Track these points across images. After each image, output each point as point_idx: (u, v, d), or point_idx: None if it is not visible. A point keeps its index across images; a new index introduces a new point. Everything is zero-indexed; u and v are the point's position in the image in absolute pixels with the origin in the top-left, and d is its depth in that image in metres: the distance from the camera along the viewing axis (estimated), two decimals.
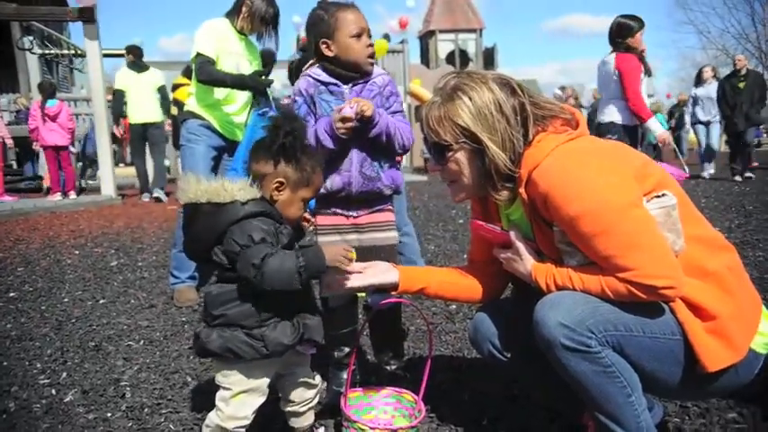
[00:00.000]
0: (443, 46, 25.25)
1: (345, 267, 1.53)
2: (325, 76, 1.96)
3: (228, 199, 1.44)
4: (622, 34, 4.38)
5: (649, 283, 1.28)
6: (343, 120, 1.82)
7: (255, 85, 3.20)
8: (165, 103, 8.78)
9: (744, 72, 8.94)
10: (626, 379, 1.32)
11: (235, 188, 1.45)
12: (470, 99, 1.43)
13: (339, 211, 1.99)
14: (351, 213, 1.99)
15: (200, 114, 3.36)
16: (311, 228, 1.80)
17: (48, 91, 8.90)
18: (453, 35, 25.20)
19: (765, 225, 4.78)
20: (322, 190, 1.93)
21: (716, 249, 1.42)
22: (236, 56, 3.33)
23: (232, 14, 3.34)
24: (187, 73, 7.14)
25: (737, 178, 8.82)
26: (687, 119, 11.82)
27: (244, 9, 3.28)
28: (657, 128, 4.48)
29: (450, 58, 24.91)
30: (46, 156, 9.32)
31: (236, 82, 3.20)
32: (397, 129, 1.93)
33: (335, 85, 1.96)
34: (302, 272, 1.39)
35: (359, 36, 1.91)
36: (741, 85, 8.83)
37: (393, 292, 1.65)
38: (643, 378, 1.35)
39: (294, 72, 3.90)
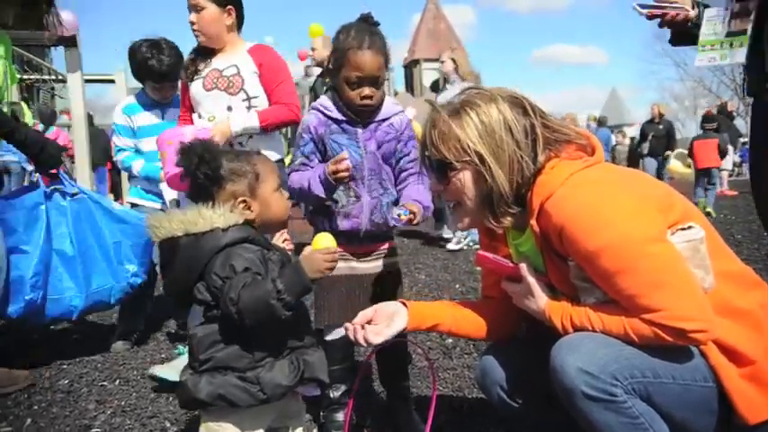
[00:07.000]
0: (428, 74, 25.65)
1: (351, 329, 1.45)
2: (335, 112, 1.85)
3: (208, 227, 1.31)
4: None
5: (678, 325, 1.17)
6: (338, 171, 1.71)
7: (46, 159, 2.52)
8: None
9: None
10: (655, 431, 1.19)
11: (214, 215, 1.32)
12: (478, 116, 1.34)
13: (341, 240, 1.89)
14: (353, 244, 1.91)
15: None
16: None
17: (47, 117, 8.68)
18: (437, 64, 25.62)
19: (757, 254, 4.74)
20: (328, 227, 1.86)
21: (747, 286, 1.32)
22: None
23: None
24: None
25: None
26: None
27: None
28: None
29: (434, 86, 25.28)
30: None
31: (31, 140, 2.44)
32: (429, 205, 1.87)
33: (348, 123, 1.86)
34: (283, 297, 1.23)
35: (355, 84, 1.78)
36: None
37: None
38: (673, 430, 1.23)
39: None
